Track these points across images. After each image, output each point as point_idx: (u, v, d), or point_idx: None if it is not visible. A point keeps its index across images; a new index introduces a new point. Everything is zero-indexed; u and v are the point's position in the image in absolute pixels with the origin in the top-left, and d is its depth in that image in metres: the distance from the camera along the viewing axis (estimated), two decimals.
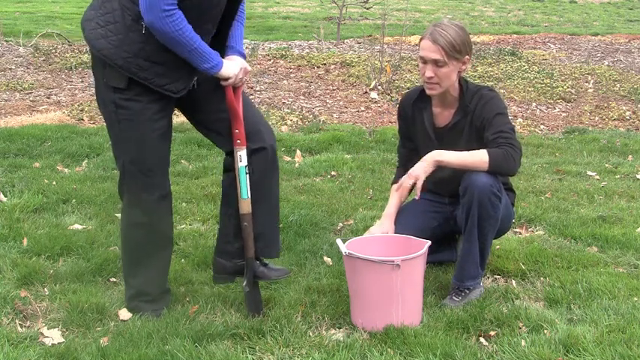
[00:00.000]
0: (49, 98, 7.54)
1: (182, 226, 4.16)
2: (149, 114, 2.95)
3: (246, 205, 3.08)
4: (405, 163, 3.68)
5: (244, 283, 3.13)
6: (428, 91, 3.36)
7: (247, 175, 3.06)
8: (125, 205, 3.12)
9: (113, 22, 2.87)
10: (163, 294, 3.19)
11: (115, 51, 2.86)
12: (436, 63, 3.25)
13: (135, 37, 2.85)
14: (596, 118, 7.50)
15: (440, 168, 3.24)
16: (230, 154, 3.11)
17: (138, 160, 3.00)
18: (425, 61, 3.28)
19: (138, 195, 3.05)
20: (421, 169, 3.21)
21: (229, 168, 3.14)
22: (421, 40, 3.32)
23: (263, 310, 3.14)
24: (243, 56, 3.10)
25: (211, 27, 2.96)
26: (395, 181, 3.68)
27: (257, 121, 3.15)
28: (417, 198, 3.26)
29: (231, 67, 2.98)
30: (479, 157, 3.18)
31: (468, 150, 3.23)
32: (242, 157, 3.05)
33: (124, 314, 3.12)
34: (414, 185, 3.23)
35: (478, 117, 3.32)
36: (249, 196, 3.08)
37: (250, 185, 3.09)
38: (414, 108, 3.51)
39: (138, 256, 3.14)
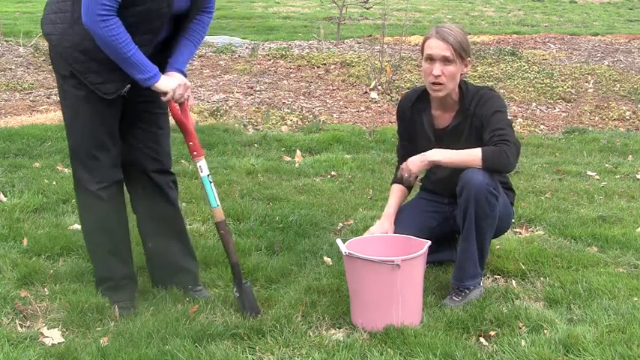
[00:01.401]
0: (49, 98, 7.54)
1: None
2: (91, 102, 3.03)
3: (218, 213, 3.16)
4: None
5: (234, 290, 3.16)
6: (433, 93, 3.36)
7: (212, 184, 3.14)
8: (74, 188, 3.24)
9: (64, 10, 2.99)
10: (125, 280, 3.24)
11: (59, 38, 3.00)
12: (446, 60, 3.26)
13: (78, 30, 2.94)
14: (596, 118, 7.50)
15: (438, 168, 3.24)
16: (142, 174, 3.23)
17: (82, 145, 3.10)
18: (433, 59, 3.28)
19: (80, 179, 3.16)
20: (415, 165, 3.27)
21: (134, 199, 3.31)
22: (426, 40, 3.32)
23: (261, 310, 3.14)
24: (183, 74, 3.12)
25: (152, 37, 2.99)
26: (395, 181, 3.69)
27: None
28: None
29: (168, 82, 3.04)
30: (473, 156, 3.19)
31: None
32: (202, 167, 3.14)
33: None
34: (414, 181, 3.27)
35: (478, 117, 3.32)
36: (219, 203, 3.16)
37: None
38: (413, 110, 3.51)
39: (90, 243, 3.27)
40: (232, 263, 3.18)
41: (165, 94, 3.04)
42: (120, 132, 3.17)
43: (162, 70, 3.07)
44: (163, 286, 3.31)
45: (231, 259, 3.18)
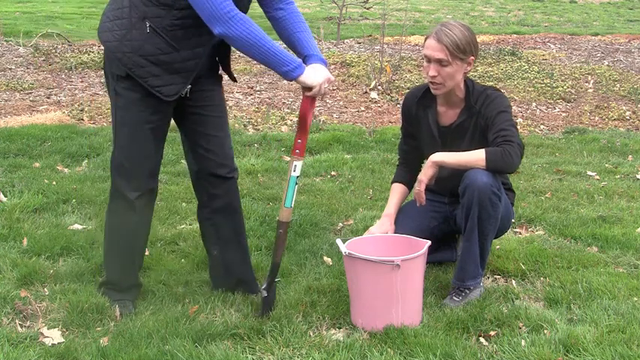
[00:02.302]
0: (49, 98, 7.54)
1: (182, 226, 4.16)
2: (144, 105, 2.98)
3: (287, 214, 3.09)
4: (406, 161, 3.70)
5: (263, 287, 3.12)
6: (433, 91, 3.37)
7: (296, 186, 3.05)
8: (110, 193, 3.20)
9: (120, 17, 2.93)
10: (131, 287, 3.25)
11: (117, 44, 2.93)
12: (440, 62, 3.25)
13: (137, 35, 2.89)
14: (596, 118, 7.50)
15: (443, 168, 3.24)
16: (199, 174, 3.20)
17: (127, 149, 3.05)
18: (429, 59, 3.28)
19: (119, 185, 3.11)
20: (423, 174, 3.25)
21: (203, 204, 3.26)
22: (426, 38, 3.32)
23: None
24: (325, 63, 2.98)
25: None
26: (395, 180, 3.69)
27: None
28: (419, 204, 3.32)
29: (314, 75, 2.89)
30: (476, 157, 3.18)
31: (470, 150, 3.24)
32: (297, 167, 3.03)
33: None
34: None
35: (483, 117, 3.32)
36: (293, 204, 3.09)
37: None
38: (419, 106, 3.50)
39: (110, 249, 3.24)
40: (275, 262, 3.12)
41: (310, 88, 2.90)
42: (186, 141, 3.16)
43: (226, 66, 3.07)
44: (223, 290, 3.30)
45: (276, 258, 3.12)
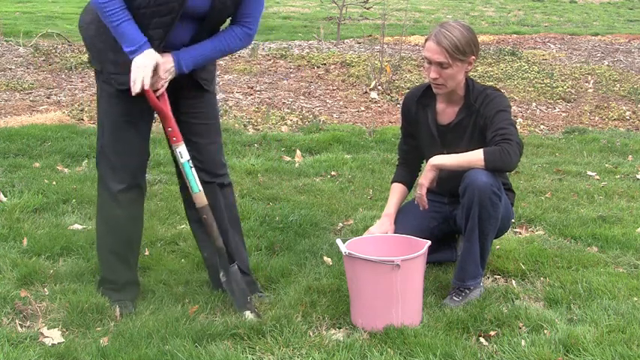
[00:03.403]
0: (49, 98, 7.54)
1: (182, 226, 4.16)
2: (118, 98, 3.04)
3: (200, 199, 3.11)
4: (406, 161, 3.70)
5: (221, 274, 3.13)
6: (435, 91, 3.38)
7: (192, 169, 3.08)
8: (97, 188, 3.25)
9: (90, 8, 3.04)
10: (128, 285, 3.26)
11: (85, 27, 3.05)
12: (440, 65, 3.26)
13: (96, 17, 2.96)
14: (596, 118, 7.50)
15: (442, 170, 3.24)
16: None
17: (108, 141, 3.10)
18: (430, 62, 3.29)
19: (102, 176, 3.17)
20: (423, 177, 3.25)
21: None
22: (426, 40, 3.33)
23: (255, 306, 3.13)
24: (178, 64, 2.97)
25: (162, 33, 2.94)
26: (395, 180, 3.69)
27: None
28: (422, 209, 3.33)
29: (141, 59, 2.88)
30: (475, 157, 3.18)
31: (470, 149, 3.24)
32: (182, 153, 3.07)
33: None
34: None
35: (482, 116, 3.33)
36: (200, 189, 3.11)
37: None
38: (418, 105, 3.51)
39: (100, 244, 3.28)
40: (217, 247, 3.13)
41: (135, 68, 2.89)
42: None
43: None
44: (223, 290, 3.27)
45: (215, 244, 3.13)
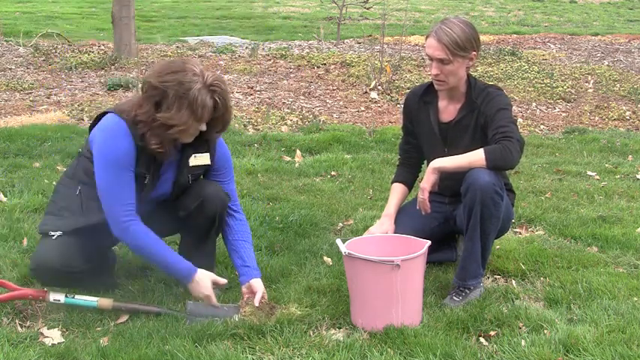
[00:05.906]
0: (49, 98, 7.54)
1: None
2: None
3: (105, 304, 3.08)
4: (406, 161, 3.70)
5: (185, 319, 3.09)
6: (437, 87, 3.39)
7: (74, 297, 3.09)
8: None
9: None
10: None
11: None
12: (442, 61, 3.27)
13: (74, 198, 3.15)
14: (596, 118, 7.50)
15: (444, 173, 3.24)
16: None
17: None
18: (431, 58, 3.30)
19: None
20: (425, 181, 3.24)
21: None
22: (427, 37, 3.34)
23: (232, 304, 3.15)
24: (258, 274, 3.21)
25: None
26: (395, 180, 3.69)
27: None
28: (425, 213, 3.31)
29: (197, 288, 3.09)
30: (476, 157, 3.18)
31: (471, 148, 3.24)
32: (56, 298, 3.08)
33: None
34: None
35: (483, 114, 3.33)
36: (97, 299, 3.10)
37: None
38: (420, 103, 3.52)
39: None
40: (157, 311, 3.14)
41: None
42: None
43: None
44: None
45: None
